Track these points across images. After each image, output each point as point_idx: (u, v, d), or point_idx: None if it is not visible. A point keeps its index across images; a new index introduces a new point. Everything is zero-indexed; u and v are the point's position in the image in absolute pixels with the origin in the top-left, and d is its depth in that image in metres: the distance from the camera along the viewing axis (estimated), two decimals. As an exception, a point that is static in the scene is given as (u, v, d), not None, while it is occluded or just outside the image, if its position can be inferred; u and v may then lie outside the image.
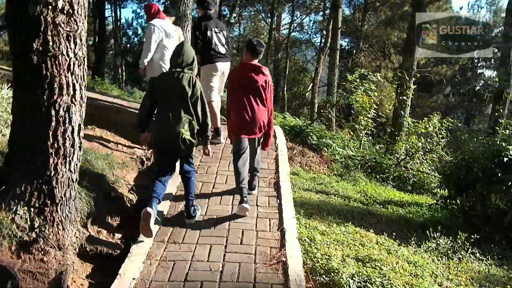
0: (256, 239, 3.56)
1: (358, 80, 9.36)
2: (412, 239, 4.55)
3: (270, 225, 3.79)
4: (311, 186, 6.48)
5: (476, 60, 26.67)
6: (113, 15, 23.44)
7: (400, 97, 10.22)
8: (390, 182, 8.37)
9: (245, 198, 3.91)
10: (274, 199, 4.32)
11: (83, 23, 2.66)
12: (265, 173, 4.92)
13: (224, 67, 5.80)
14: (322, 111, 10.93)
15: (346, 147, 9.30)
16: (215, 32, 5.63)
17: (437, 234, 4.53)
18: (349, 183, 7.48)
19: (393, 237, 4.42)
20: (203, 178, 4.76)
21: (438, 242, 4.43)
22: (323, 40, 26.03)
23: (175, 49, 3.89)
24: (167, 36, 5.34)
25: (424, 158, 8.85)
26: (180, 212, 4.03)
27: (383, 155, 9.34)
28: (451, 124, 8.54)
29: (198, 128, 3.76)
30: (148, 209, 3.34)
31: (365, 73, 9.34)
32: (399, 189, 8.17)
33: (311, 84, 26.46)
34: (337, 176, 7.70)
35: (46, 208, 2.83)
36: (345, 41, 26.47)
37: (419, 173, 8.68)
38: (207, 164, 5.14)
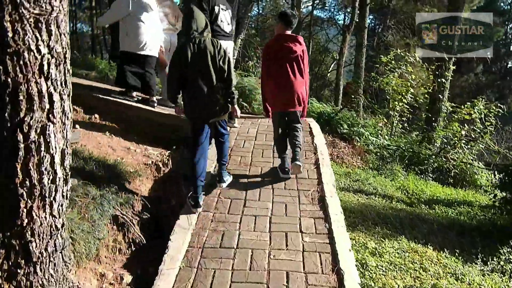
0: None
1: (393, 62, 8.51)
2: (474, 251, 3.89)
3: (321, 263, 2.90)
4: (347, 183, 5.80)
5: (510, 36, 25.12)
6: None
7: (438, 79, 9.33)
8: (430, 174, 7.62)
9: (296, 157, 4.04)
10: (321, 222, 3.43)
11: (61, 1, 1.84)
12: (305, 183, 4.13)
13: (226, 45, 5.21)
14: (352, 96, 10.09)
15: (379, 136, 8.54)
16: (222, 9, 5.21)
17: (506, 248, 3.83)
18: (387, 178, 6.77)
19: (455, 253, 3.72)
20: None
21: (509, 258, 3.74)
22: (346, 19, 24.98)
23: (186, 16, 3.65)
24: (144, 8, 5.16)
25: (467, 147, 8.02)
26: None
27: (420, 144, 8.54)
28: (500, 110, 7.66)
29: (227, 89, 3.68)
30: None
31: (401, 53, 8.46)
32: (440, 182, 7.43)
33: (334, 64, 25.56)
34: (373, 170, 6.99)
35: (19, 271, 2.04)
36: (369, 19, 25.21)
37: (462, 164, 7.87)
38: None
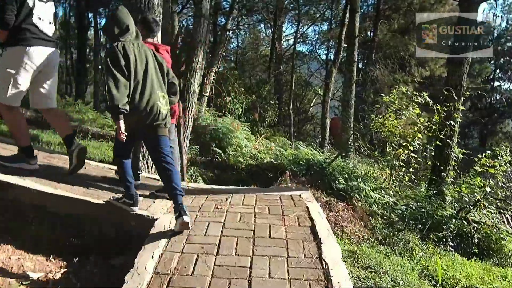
0: None
1: (397, 102, 7.06)
2: None
3: None
4: (357, 273, 4.12)
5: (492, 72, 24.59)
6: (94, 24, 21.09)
7: (446, 122, 7.90)
8: (450, 242, 6.04)
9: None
10: None
11: None
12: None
13: (50, 56, 3.59)
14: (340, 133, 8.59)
15: (382, 190, 6.97)
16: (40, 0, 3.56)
17: None
18: (402, 255, 5.14)
19: None
20: None
21: None
22: (330, 53, 24.05)
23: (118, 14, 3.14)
24: None
25: (494, 207, 6.51)
26: None
27: (430, 200, 6.99)
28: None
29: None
30: None
31: (408, 92, 7.02)
32: (463, 253, 5.88)
33: (315, 98, 24.43)
34: (383, 244, 5.35)
35: None
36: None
37: (486, 227, 6.34)
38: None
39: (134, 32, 3.12)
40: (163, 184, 3.24)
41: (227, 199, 3.09)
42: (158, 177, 3.54)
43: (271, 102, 15.86)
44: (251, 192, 3.30)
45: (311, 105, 26.10)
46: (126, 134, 2.87)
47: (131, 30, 3.08)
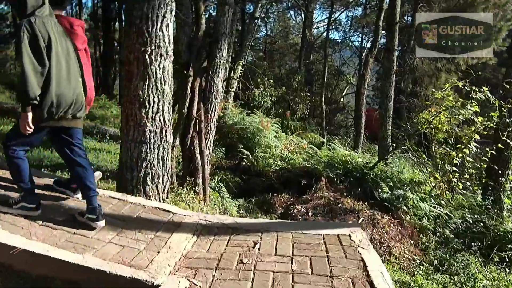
0: None
1: (451, 98, 6.12)
2: None
3: None
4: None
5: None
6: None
7: (507, 120, 6.87)
8: (516, 264, 5.14)
9: None
10: None
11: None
12: None
13: None
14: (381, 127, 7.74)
15: (432, 200, 6.10)
16: None
17: None
18: (463, 285, 4.31)
19: None
20: None
21: None
22: (364, 39, 22.82)
23: None
24: None
25: None
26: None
27: (488, 211, 6.06)
28: None
29: None
30: None
31: (463, 85, 6.05)
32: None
33: (347, 88, 23.29)
34: (440, 271, 4.53)
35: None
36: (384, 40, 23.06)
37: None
38: None
39: (48, 7, 2.58)
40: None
41: (255, 245, 2.37)
42: (169, 208, 2.87)
43: (302, 94, 14.99)
44: (286, 230, 2.56)
45: (343, 95, 25.00)
46: (33, 128, 2.45)
47: (46, 4, 2.55)
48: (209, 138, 4.73)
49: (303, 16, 19.68)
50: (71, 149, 2.72)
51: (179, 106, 4.67)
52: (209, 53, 4.79)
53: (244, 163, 6.74)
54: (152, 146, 3.05)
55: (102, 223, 2.59)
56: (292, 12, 23.93)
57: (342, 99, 24.95)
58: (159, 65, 2.96)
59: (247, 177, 6.61)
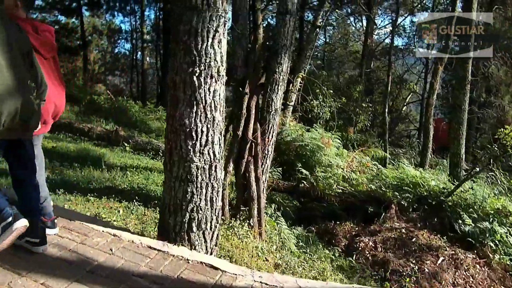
0: None
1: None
2: None
3: None
4: None
5: None
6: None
7: None
8: None
9: None
10: None
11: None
12: None
13: None
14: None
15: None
16: None
17: None
18: None
19: None
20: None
21: None
22: (432, 46, 21.44)
23: None
24: None
25: None
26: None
27: None
28: None
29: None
30: None
31: None
32: None
33: (410, 96, 21.96)
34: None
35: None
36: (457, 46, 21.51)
37: None
38: None
39: None
40: None
41: None
42: (217, 264, 2.39)
43: (363, 105, 14.15)
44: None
45: (405, 104, 23.66)
46: None
47: None
48: (266, 163, 4.23)
49: (364, 23, 18.78)
50: (22, 162, 2.46)
51: (233, 127, 4.23)
52: (267, 68, 4.32)
53: (302, 184, 6.17)
54: (199, 185, 2.59)
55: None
56: (352, 19, 23.05)
57: (404, 108, 23.65)
58: (209, 89, 2.51)
59: (306, 200, 6.04)
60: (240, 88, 4.23)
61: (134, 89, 24.36)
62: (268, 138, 4.21)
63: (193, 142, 2.51)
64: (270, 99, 4.23)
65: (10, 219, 2.25)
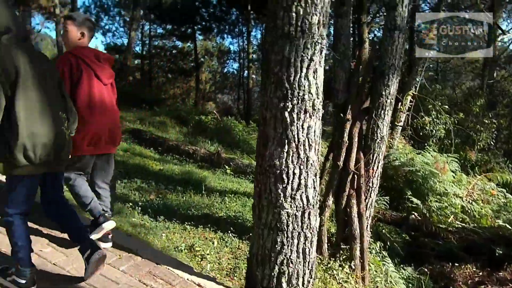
0: None
1: None
2: None
3: None
4: None
5: None
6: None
7: None
8: None
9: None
10: None
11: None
12: None
13: None
14: None
15: None
16: None
17: None
18: None
19: None
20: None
21: None
22: None
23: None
24: None
25: None
26: None
27: None
28: None
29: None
30: None
31: None
32: None
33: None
34: None
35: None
36: None
37: None
38: None
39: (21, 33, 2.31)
40: None
41: None
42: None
43: (486, 121, 12.59)
44: None
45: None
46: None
47: (16, 30, 2.26)
48: (370, 197, 3.79)
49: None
50: (56, 194, 2.58)
51: (333, 156, 3.89)
52: (372, 91, 3.91)
53: (413, 215, 5.52)
54: (289, 235, 2.30)
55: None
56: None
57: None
58: (302, 125, 2.23)
59: (417, 234, 5.38)
60: (341, 114, 3.89)
61: (241, 107, 25.21)
62: (373, 169, 3.78)
63: (284, 185, 2.25)
64: (375, 126, 3.80)
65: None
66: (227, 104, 28.43)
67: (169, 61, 29.41)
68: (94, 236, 2.84)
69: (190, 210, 4.95)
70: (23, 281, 2.36)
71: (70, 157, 2.57)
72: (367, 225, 3.76)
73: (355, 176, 3.74)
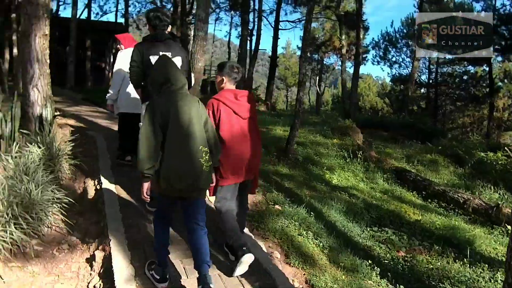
0: None
1: None
2: None
3: None
4: None
5: None
6: None
7: None
8: None
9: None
10: None
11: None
12: None
13: None
14: None
15: None
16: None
17: None
18: None
19: None
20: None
21: None
22: None
23: (158, 64, 3.05)
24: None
25: None
26: None
27: None
28: None
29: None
30: None
31: None
32: None
33: None
34: None
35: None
36: None
37: None
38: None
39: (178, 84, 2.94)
40: None
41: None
42: None
43: None
44: None
45: None
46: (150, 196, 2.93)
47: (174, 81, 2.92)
48: None
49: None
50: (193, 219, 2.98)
51: None
52: None
53: None
54: None
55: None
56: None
57: None
58: None
59: None
60: None
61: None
62: None
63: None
64: None
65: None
66: None
67: (458, 88, 27.03)
68: (238, 271, 3.19)
69: (443, 283, 3.95)
70: (157, 277, 3.00)
71: (211, 184, 3.09)
72: None
73: None
